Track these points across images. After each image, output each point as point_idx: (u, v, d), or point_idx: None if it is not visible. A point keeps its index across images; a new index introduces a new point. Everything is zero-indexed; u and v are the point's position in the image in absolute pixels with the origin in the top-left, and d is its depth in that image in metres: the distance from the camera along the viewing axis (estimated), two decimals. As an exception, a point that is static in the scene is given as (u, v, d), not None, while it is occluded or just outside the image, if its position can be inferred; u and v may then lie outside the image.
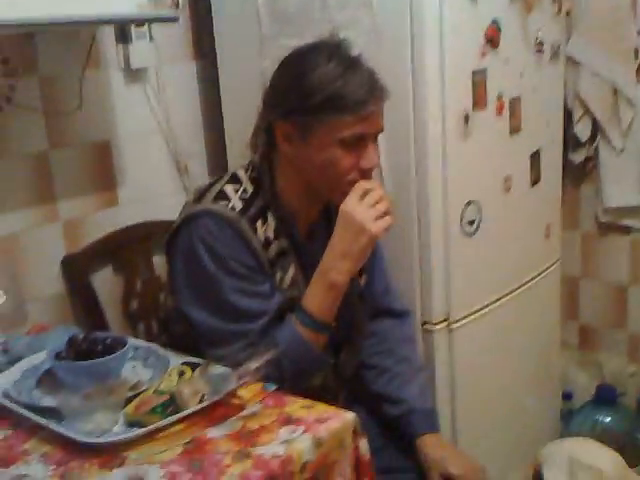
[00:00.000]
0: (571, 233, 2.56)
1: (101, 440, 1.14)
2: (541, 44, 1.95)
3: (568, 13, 2.21)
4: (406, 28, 1.61)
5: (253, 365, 1.21)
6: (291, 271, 1.46)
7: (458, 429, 1.86)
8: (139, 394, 1.24)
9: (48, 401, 1.25)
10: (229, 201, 1.40)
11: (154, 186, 1.98)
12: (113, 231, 1.85)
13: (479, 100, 1.74)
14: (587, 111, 2.43)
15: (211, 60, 2.01)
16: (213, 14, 1.97)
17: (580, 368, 2.60)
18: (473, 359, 1.87)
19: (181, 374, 1.29)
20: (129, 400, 1.22)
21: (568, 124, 2.36)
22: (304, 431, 1.17)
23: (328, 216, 1.51)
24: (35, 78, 1.72)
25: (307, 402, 1.26)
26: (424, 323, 1.78)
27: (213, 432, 1.18)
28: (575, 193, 2.57)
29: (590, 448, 1.29)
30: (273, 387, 1.28)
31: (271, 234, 1.43)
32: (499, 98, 1.80)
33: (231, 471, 1.08)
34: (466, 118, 1.71)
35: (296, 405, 1.25)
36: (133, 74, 1.91)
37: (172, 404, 1.20)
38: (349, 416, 1.23)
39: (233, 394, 1.25)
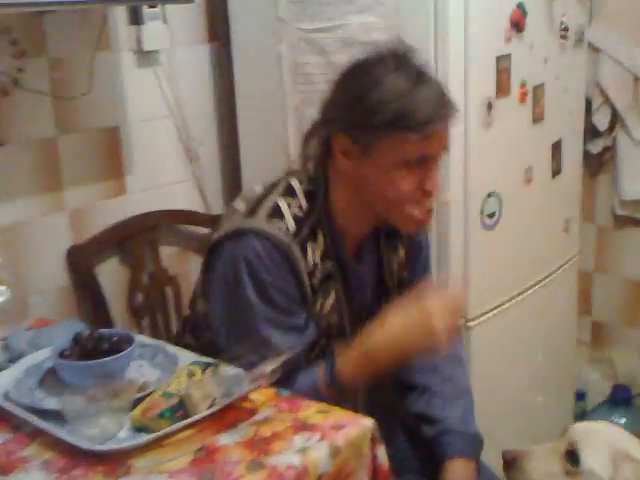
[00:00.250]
0: (586, 226, 2.50)
1: (106, 447, 1.08)
2: (566, 29, 1.91)
3: (590, -1, 2.16)
4: (430, 11, 1.56)
5: (268, 367, 1.15)
6: (333, 296, 1.38)
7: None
8: (146, 396, 1.18)
9: (50, 403, 1.19)
10: (283, 220, 1.32)
11: (163, 174, 1.92)
12: (120, 221, 1.80)
13: (503, 87, 1.70)
14: (606, 100, 2.37)
15: (225, 43, 1.96)
16: (228, -4, 1.91)
17: (592, 366, 2.56)
18: (488, 358, 1.84)
19: (191, 375, 1.23)
20: (136, 402, 1.16)
21: (586, 113, 2.30)
22: (320, 439, 1.11)
23: (376, 233, 1.44)
24: (44, 60, 1.67)
25: (323, 407, 1.20)
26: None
27: (224, 439, 1.12)
28: (591, 185, 2.52)
29: (631, 440, 1.23)
30: (287, 392, 1.22)
31: (319, 256, 1.35)
32: (523, 85, 1.77)
33: (244, 482, 1.02)
34: (489, 105, 1.67)
35: (311, 410, 1.19)
36: (145, 57, 1.85)
37: (181, 408, 1.14)
38: (367, 422, 1.17)
39: (245, 397, 1.20)
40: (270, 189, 1.37)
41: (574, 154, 2.10)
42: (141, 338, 1.41)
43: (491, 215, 1.75)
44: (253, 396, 1.20)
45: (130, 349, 1.26)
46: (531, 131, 1.84)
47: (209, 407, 1.15)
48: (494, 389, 1.87)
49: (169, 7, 1.84)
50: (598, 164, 2.50)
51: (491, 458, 1.50)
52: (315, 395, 1.26)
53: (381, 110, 1.24)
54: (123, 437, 1.11)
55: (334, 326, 1.38)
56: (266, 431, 1.14)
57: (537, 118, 1.84)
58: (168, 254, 1.90)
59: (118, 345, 1.26)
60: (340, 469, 1.10)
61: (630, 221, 2.48)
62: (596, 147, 2.44)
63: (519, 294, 1.91)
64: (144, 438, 1.09)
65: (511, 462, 1.29)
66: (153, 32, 1.82)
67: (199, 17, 1.97)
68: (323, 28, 1.71)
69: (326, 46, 1.72)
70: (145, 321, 1.85)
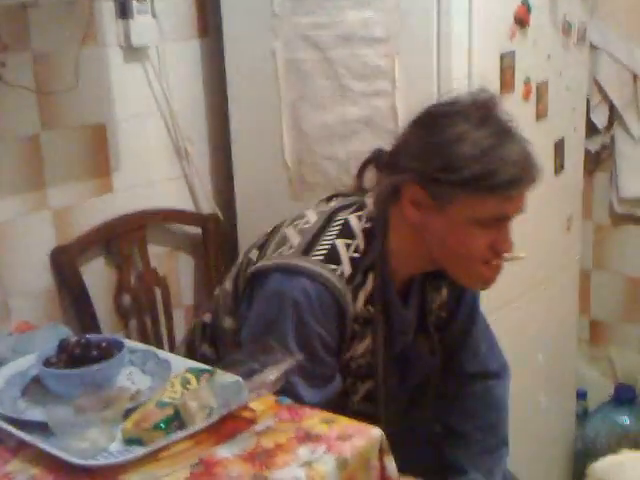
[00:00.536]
0: (584, 224, 2.45)
1: (96, 462, 1.01)
2: (569, 26, 1.87)
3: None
4: (432, 6, 1.51)
5: (270, 376, 1.08)
6: (369, 339, 1.31)
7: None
8: (139, 406, 1.11)
9: (35, 414, 1.11)
10: (339, 265, 1.24)
11: (152, 172, 1.85)
12: (107, 220, 1.73)
13: (507, 84, 1.65)
14: (605, 97, 2.34)
15: (217, 39, 1.89)
16: (220, -11, 1.85)
17: (591, 365, 2.52)
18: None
19: (185, 383, 1.16)
20: (127, 413, 1.09)
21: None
22: (326, 450, 1.05)
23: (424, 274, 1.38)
24: (28, 54, 1.60)
25: (327, 415, 1.14)
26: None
27: (223, 451, 1.06)
28: (589, 183, 2.48)
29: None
30: (288, 400, 1.16)
31: (365, 300, 1.28)
32: (526, 82, 1.73)
33: (246, 499, 0.96)
34: (493, 102, 1.60)
35: (315, 419, 1.13)
36: (133, 52, 1.78)
37: (177, 419, 1.08)
38: (375, 432, 1.11)
39: (244, 406, 1.13)
40: (326, 223, 1.29)
41: (576, 152, 2.06)
42: (130, 343, 1.34)
43: (493, 213, 1.69)
44: (252, 405, 1.14)
45: (120, 355, 1.20)
46: (535, 128, 1.79)
47: (206, 418, 1.08)
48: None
49: (158, 1, 1.77)
50: (596, 162, 2.47)
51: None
52: None
53: (463, 168, 1.17)
54: (115, 451, 1.04)
55: (364, 367, 1.32)
56: (268, 443, 1.07)
57: (541, 115, 1.81)
58: (157, 254, 1.84)
59: (107, 351, 1.19)
60: (347, 482, 1.04)
61: (628, 219, 2.45)
62: (594, 145, 2.40)
63: (520, 294, 1.87)
64: (137, 451, 1.02)
65: None
66: (142, 26, 1.76)
67: (190, 11, 1.90)
68: (320, 23, 1.65)
69: (323, 42, 1.66)
70: (132, 323, 1.78)
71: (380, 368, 1.32)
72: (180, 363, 1.25)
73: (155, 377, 1.22)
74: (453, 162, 1.18)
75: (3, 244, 1.60)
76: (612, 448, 2.14)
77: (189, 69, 1.91)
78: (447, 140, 1.19)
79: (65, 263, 1.66)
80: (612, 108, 2.34)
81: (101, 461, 1.01)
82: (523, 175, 1.19)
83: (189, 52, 1.91)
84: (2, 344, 1.32)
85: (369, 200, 1.31)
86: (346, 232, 1.27)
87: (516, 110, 1.68)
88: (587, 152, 2.39)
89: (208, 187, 1.96)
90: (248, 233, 1.89)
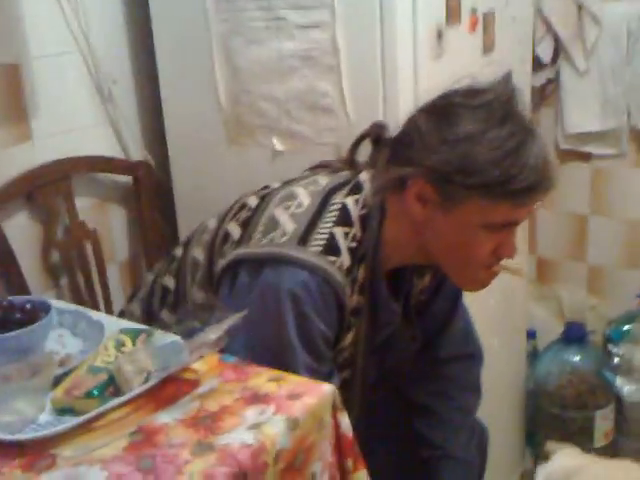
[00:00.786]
0: (529, 161, 2.42)
1: (24, 435, 0.93)
2: None
3: None
4: None
5: (212, 335, 1.00)
6: (353, 331, 1.23)
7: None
8: (69, 372, 1.03)
9: (-47, 386, 1.01)
10: (339, 257, 1.15)
11: (73, 117, 1.70)
12: (27, 171, 1.59)
13: (453, 14, 1.56)
14: (550, 30, 2.27)
15: (139, -33, 1.74)
16: None
17: (539, 303, 2.51)
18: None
19: (120, 345, 1.08)
20: (57, 380, 1.01)
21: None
22: (275, 411, 0.98)
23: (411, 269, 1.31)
24: None
25: (275, 374, 1.06)
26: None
27: (164, 417, 0.98)
28: (534, 119, 2.40)
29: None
30: (233, 359, 1.07)
31: (357, 292, 1.20)
32: (473, 12, 1.63)
33: (191, 469, 0.89)
34: (439, 34, 1.53)
35: (262, 378, 1.06)
36: (45, -19, 1.61)
37: (111, 385, 1.00)
38: (326, 388, 1.04)
39: (185, 367, 1.05)
40: (322, 207, 1.19)
41: (523, 85, 1.99)
42: (59, 304, 1.25)
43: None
44: (194, 366, 1.06)
45: (47, 318, 1.10)
46: (482, 62, 1.72)
47: (144, 382, 1.00)
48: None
49: None
50: (541, 97, 2.41)
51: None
52: None
53: (481, 172, 1.09)
54: (44, 422, 0.96)
55: (346, 358, 1.25)
56: (212, 405, 1.00)
57: (488, 48, 1.72)
58: (85, 206, 1.71)
59: (33, 314, 1.11)
60: (300, 443, 0.98)
61: (574, 155, 2.42)
62: (539, 79, 2.35)
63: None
64: (69, 422, 0.94)
65: None
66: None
67: None
68: (251, -54, 1.52)
69: (254, -33, 1.53)
70: (64, 282, 1.67)
71: (360, 358, 1.26)
72: (114, 324, 1.16)
73: (87, 340, 1.14)
74: (471, 164, 1.09)
75: None
76: (562, 386, 2.16)
77: (109, 1, 1.75)
78: (466, 138, 1.10)
79: (-17, 219, 1.53)
80: (557, 41, 2.27)
81: (29, 434, 0.93)
82: (541, 182, 1.12)
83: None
84: None
85: (364, 180, 1.21)
86: (344, 219, 1.18)
87: (463, 43, 1.62)
88: (532, 87, 2.34)
89: (137, 132, 1.82)
90: (183, 180, 1.79)
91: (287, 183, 1.28)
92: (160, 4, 1.71)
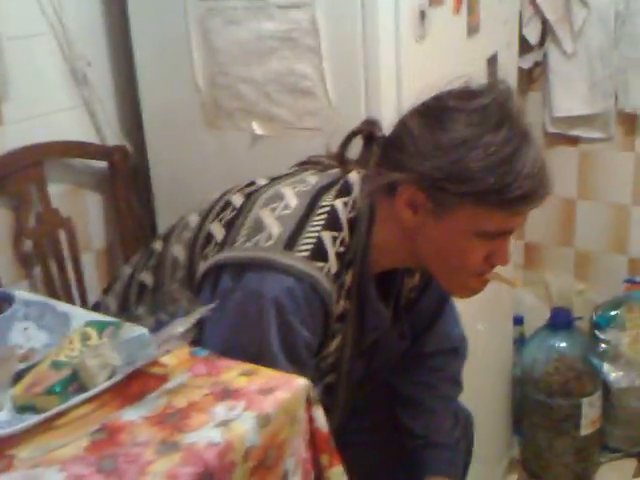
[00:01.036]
0: (516, 144, 2.39)
1: (-20, 435, 0.89)
2: None
3: None
4: None
5: (179, 328, 0.96)
6: (340, 337, 1.19)
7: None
8: (31, 367, 0.99)
9: None
10: (326, 262, 1.11)
11: (47, 100, 1.65)
12: (-3, 156, 1.54)
13: (436, -7, 1.51)
14: (537, 11, 2.24)
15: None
16: None
17: (527, 289, 2.49)
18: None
19: (85, 339, 1.04)
20: (19, 376, 0.97)
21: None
22: (245, 407, 0.94)
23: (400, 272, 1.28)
24: None
25: (247, 367, 1.02)
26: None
27: (129, 414, 0.94)
28: (521, 102, 2.39)
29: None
30: (204, 352, 1.03)
31: (344, 296, 1.16)
32: None
33: (154, 469, 0.85)
34: (422, 15, 1.48)
35: (233, 372, 1.01)
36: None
37: (75, 381, 0.96)
38: (300, 382, 1.00)
39: (153, 362, 1.00)
40: (310, 210, 1.14)
41: (509, 68, 1.96)
42: (26, 295, 1.21)
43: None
44: (163, 360, 1.02)
45: (11, 310, 1.06)
46: (466, 44, 1.68)
47: (109, 377, 0.96)
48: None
49: None
50: (529, 81, 2.39)
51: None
52: None
53: (475, 180, 1.04)
54: (3, 420, 0.92)
55: (331, 364, 1.22)
56: (180, 402, 0.96)
57: (472, 30, 1.68)
58: (58, 193, 1.66)
59: None
60: (271, 439, 0.94)
61: (562, 138, 2.39)
62: (527, 62, 2.32)
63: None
64: (29, 420, 0.90)
65: None
66: None
67: None
68: None
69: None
70: (36, 272, 1.62)
71: (346, 364, 1.23)
72: (81, 316, 1.12)
73: (53, 333, 1.09)
74: (464, 171, 1.05)
75: None
76: (549, 373, 2.14)
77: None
78: (460, 144, 1.05)
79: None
80: (545, 23, 2.24)
81: (-15, 433, 0.89)
82: (537, 190, 1.08)
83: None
84: None
85: (354, 181, 1.17)
86: (333, 223, 1.14)
87: (447, 25, 1.58)
88: (520, 70, 2.30)
89: (112, 115, 1.76)
90: (161, 165, 1.74)
91: (274, 180, 1.23)
92: (135, -17, 1.65)
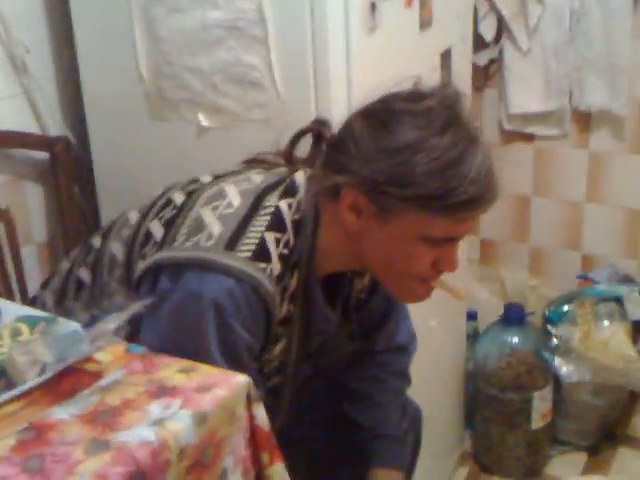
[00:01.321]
0: (472, 142, 2.38)
1: None
2: None
3: None
4: None
5: (112, 323, 0.92)
6: (284, 341, 1.16)
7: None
8: None
9: None
10: (269, 263, 1.08)
11: (-16, 89, 1.60)
12: None
13: (387, -14, 1.49)
14: (493, 7, 2.23)
15: None
16: None
17: (482, 284, 2.49)
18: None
19: (16, 334, 1.00)
20: None
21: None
22: (182, 405, 0.91)
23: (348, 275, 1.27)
24: None
25: (186, 364, 0.99)
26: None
27: (59, 412, 0.90)
28: (477, 99, 2.40)
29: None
30: (141, 349, 1.00)
31: (288, 300, 1.13)
32: None
33: (82, 469, 0.81)
34: (372, 7, 1.46)
35: (171, 369, 0.98)
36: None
37: (3, 377, 0.93)
38: (240, 379, 0.97)
39: (87, 358, 0.97)
40: (253, 210, 1.11)
41: (464, 64, 1.95)
42: (-44, 289, 1.15)
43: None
44: (97, 356, 0.98)
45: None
46: (419, 38, 1.66)
47: (39, 374, 0.93)
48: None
49: None
50: (484, 77, 2.38)
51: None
52: None
53: (418, 184, 1.02)
54: None
55: (276, 367, 1.19)
56: (113, 400, 0.92)
57: (425, 23, 1.66)
58: (-1, 184, 1.61)
59: None
60: (209, 437, 0.91)
61: (518, 136, 2.39)
62: (482, 59, 2.32)
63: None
64: (-48, 420, 0.86)
65: None
66: None
67: None
68: None
69: None
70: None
71: (291, 367, 1.20)
72: (13, 311, 1.07)
73: (-17, 328, 1.04)
74: (407, 175, 1.02)
75: None
76: (501, 368, 2.14)
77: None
78: (403, 147, 1.03)
79: None
80: (500, 20, 2.24)
81: None
82: (483, 195, 1.05)
83: None
84: None
85: (300, 182, 1.14)
86: (277, 224, 1.11)
87: (398, 18, 1.55)
88: (475, 67, 2.30)
89: (54, 105, 1.71)
90: (104, 157, 1.70)
91: (218, 178, 1.20)
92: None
